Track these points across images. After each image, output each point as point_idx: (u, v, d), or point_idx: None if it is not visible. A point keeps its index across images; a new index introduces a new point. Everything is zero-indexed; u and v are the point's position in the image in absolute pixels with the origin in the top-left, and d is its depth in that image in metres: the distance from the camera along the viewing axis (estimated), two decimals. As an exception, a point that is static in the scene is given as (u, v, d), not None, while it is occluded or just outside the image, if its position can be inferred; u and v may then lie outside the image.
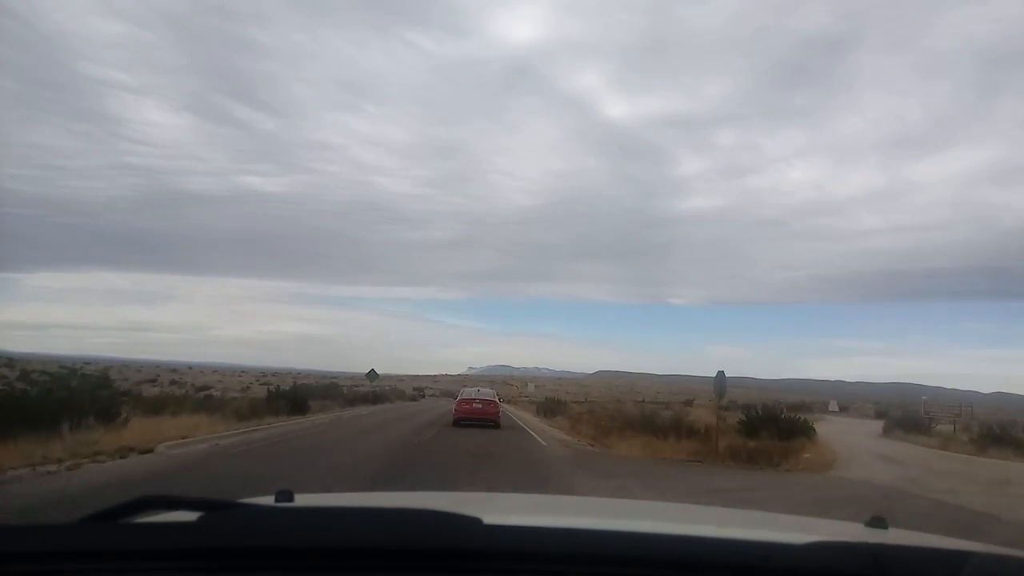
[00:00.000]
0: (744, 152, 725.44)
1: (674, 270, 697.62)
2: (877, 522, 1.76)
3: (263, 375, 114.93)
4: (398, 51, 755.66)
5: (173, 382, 73.48)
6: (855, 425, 44.02)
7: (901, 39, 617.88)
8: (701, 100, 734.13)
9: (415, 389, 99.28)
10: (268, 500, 1.66)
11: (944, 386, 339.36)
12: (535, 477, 12.32)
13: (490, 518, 1.23)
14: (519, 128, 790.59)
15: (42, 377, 46.10)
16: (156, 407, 22.29)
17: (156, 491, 1.27)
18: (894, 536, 1.69)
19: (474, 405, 25.75)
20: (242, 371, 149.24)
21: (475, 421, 25.15)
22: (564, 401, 51.51)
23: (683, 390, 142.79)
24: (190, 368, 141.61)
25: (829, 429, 30.42)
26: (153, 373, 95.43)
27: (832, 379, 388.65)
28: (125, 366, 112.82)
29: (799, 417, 21.40)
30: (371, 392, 50.51)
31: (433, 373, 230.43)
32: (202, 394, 42.02)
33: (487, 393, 27.47)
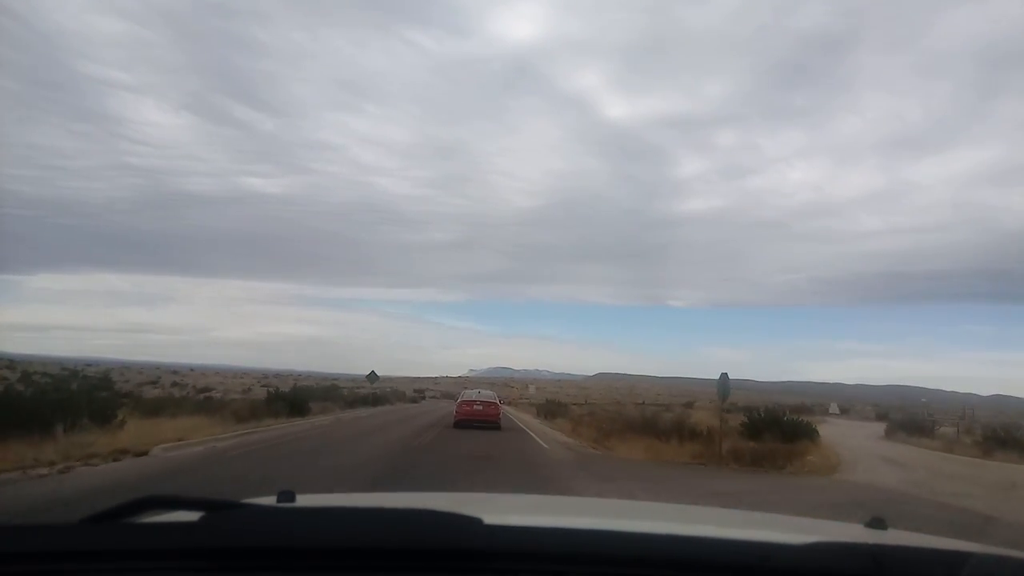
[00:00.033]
0: (744, 153, 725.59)
1: (674, 272, 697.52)
2: (877, 523, 1.75)
3: (264, 377, 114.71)
4: (398, 50, 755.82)
5: (174, 384, 73.30)
6: (856, 427, 43.82)
7: (901, 39, 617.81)
8: (701, 100, 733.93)
9: (415, 391, 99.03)
10: (270, 500, 1.67)
11: (943, 388, 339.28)
12: (537, 480, 12.13)
13: (490, 518, 1.24)
14: (519, 128, 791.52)
15: (43, 379, 45.97)
16: (155, 409, 22.15)
17: (148, 494, 1.25)
18: (893, 537, 1.69)
19: (475, 407, 25.73)
20: (243, 373, 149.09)
21: (476, 423, 25.12)
22: (564, 403, 51.32)
23: (683, 392, 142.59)
24: (191, 370, 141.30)
25: (831, 431, 30.20)
26: (154, 375, 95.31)
27: (831, 381, 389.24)
28: (126, 368, 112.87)
29: (802, 419, 21.21)
30: (371, 394, 50.41)
31: (434, 375, 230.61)
32: (203, 396, 41.83)
33: (488, 395, 27.46)
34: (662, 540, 1.38)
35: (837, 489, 13.34)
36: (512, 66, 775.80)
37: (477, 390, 28.59)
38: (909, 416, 43.77)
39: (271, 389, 35.77)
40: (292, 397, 29.84)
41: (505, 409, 37.35)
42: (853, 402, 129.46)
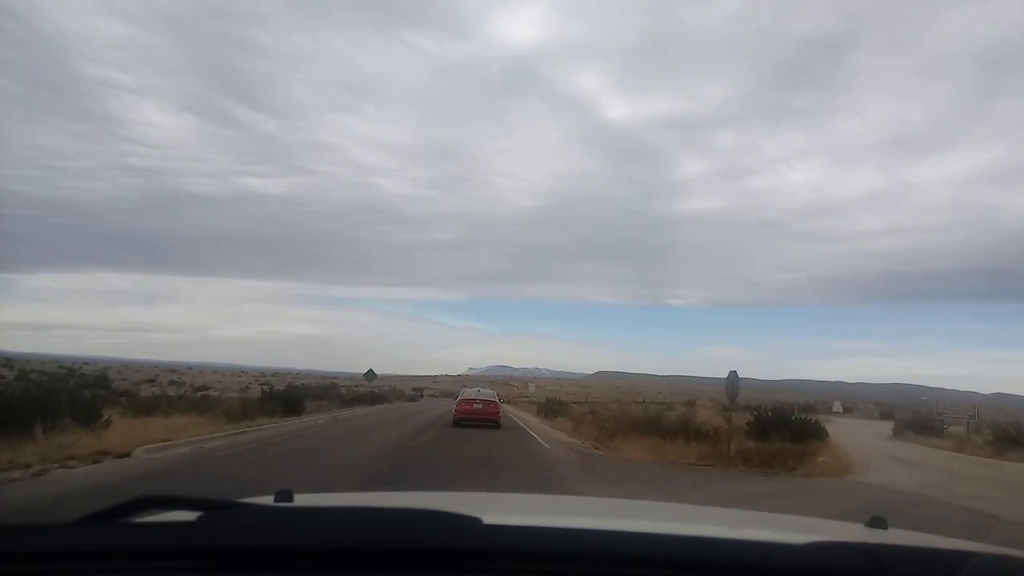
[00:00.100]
0: (744, 153, 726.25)
1: (674, 271, 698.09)
2: (877, 522, 1.74)
3: (263, 375, 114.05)
4: (398, 52, 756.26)
5: (172, 382, 72.66)
6: (861, 426, 43.27)
7: (901, 40, 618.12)
8: (701, 101, 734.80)
9: (414, 389, 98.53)
10: (267, 500, 1.64)
11: (944, 387, 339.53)
12: (538, 483, 11.56)
13: (490, 518, 1.22)
14: (519, 129, 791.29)
15: (40, 377, 45.51)
16: (148, 408, 21.68)
17: (146, 494, 1.21)
18: (894, 536, 1.68)
19: (474, 405, 25.53)
20: (242, 371, 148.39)
21: (475, 421, 24.90)
22: (565, 402, 50.74)
23: (683, 391, 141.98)
24: (190, 368, 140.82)
25: (837, 431, 29.60)
26: (152, 373, 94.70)
27: (832, 380, 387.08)
28: (125, 366, 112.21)
29: (811, 419, 20.66)
30: (369, 392, 49.91)
31: (433, 373, 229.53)
32: (199, 394, 41.33)
33: (487, 393, 27.24)
34: (662, 540, 1.38)
35: (853, 492, 12.78)
36: (512, 68, 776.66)
37: (477, 388, 28.43)
38: (917, 415, 43.18)
39: (266, 387, 35.16)
40: (286, 396, 29.28)
41: (505, 408, 36.99)
42: (854, 400, 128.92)
